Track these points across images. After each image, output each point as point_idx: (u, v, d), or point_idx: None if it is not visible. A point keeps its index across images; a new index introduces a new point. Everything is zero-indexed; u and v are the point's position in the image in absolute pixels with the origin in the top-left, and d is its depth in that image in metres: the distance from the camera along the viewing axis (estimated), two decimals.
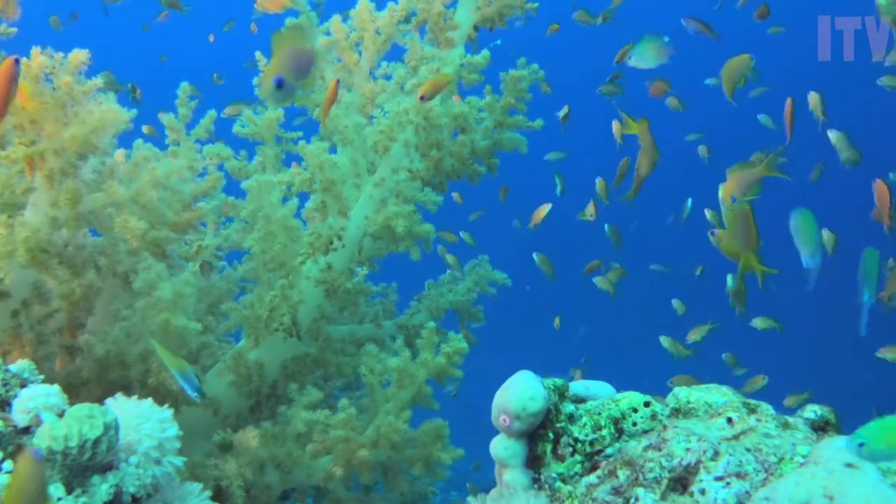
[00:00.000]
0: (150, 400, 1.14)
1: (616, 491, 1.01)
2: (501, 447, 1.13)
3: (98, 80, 1.42)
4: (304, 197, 1.74)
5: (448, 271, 2.00)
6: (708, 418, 1.05)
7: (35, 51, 1.37)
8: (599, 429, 1.12)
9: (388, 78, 1.79)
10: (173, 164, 1.64)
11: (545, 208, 2.98)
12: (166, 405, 1.14)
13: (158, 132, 1.85)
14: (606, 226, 3.58)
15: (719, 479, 0.94)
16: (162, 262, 1.49)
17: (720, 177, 1.51)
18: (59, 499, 1.00)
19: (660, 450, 1.00)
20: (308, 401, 1.54)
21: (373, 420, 1.51)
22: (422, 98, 1.52)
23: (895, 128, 9.33)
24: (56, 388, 1.10)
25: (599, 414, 1.13)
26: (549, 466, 1.11)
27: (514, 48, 1.90)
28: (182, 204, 1.63)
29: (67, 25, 4.66)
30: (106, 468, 1.05)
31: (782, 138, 2.38)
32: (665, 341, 2.95)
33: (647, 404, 1.13)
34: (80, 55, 1.41)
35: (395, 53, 1.80)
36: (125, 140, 1.56)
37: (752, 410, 1.03)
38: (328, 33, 1.78)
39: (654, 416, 1.12)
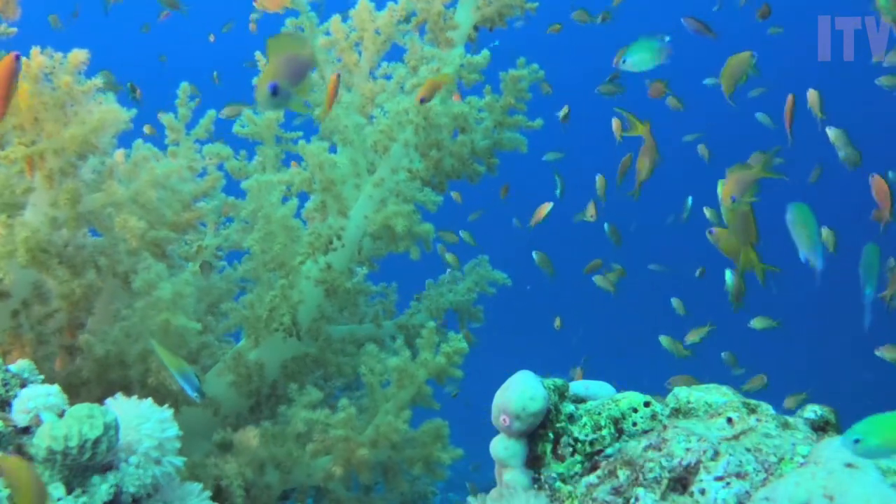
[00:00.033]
0: (150, 400, 1.14)
1: (616, 491, 1.01)
2: (501, 447, 1.13)
3: (98, 80, 1.42)
4: (304, 197, 1.74)
5: (448, 271, 2.00)
6: (708, 418, 1.05)
7: (35, 51, 1.37)
8: (599, 429, 1.12)
9: (388, 78, 1.79)
10: (173, 163, 1.64)
11: (546, 207, 2.98)
12: (166, 405, 1.14)
13: (158, 132, 1.85)
14: (606, 225, 3.59)
15: (719, 479, 0.94)
16: (162, 262, 1.49)
17: (720, 176, 1.51)
18: (59, 499, 1.00)
19: (660, 450, 1.00)
20: (308, 400, 1.54)
21: (373, 420, 1.51)
22: (421, 101, 1.53)
23: (895, 128, 9.33)
24: (56, 388, 1.10)
25: (599, 414, 1.13)
26: (549, 466, 1.11)
27: (514, 48, 1.90)
28: (182, 204, 1.63)
29: (67, 25, 4.66)
30: (106, 468, 1.05)
31: (782, 137, 2.39)
32: (664, 341, 2.96)
33: (647, 404, 1.13)
34: (79, 55, 1.41)
35: (395, 53, 1.80)
36: (125, 140, 1.56)
37: (752, 410, 1.03)
38: (328, 33, 1.78)
39: (654, 416, 1.12)
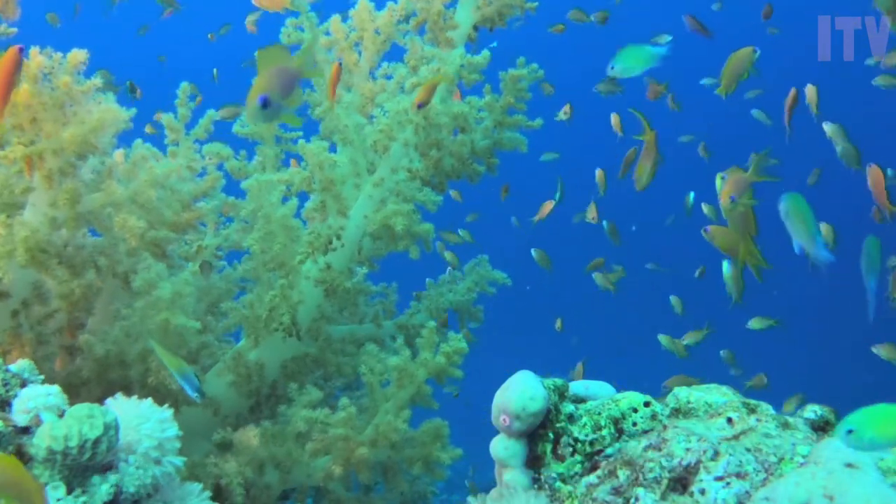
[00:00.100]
0: (150, 400, 1.14)
1: (616, 491, 1.01)
2: (501, 447, 1.13)
3: (97, 80, 1.42)
4: (303, 197, 1.74)
5: (448, 270, 1.99)
6: (708, 418, 1.05)
7: (34, 50, 1.37)
8: (599, 429, 1.12)
9: (388, 78, 1.79)
10: (172, 163, 1.64)
11: (550, 204, 2.99)
12: (166, 405, 1.14)
13: (158, 132, 1.85)
14: (605, 223, 3.59)
15: (719, 479, 0.94)
16: (162, 262, 1.49)
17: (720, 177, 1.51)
18: (59, 499, 1.00)
19: (660, 450, 1.00)
20: (308, 400, 1.54)
21: (372, 419, 1.51)
22: (419, 106, 1.53)
23: (895, 128, 9.34)
24: (56, 388, 1.10)
25: (599, 414, 1.13)
26: (549, 466, 1.11)
27: (514, 48, 1.90)
28: (181, 204, 1.63)
29: (67, 24, 4.66)
30: (106, 468, 1.05)
31: (781, 135, 2.39)
32: (664, 340, 2.96)
33: (647, 404, 1.13)
34: (78, 55, 1.41)
35: (395, 53, 1.80)
36: (125, 140, 1.56)
37: (752, 410, 1.04)
38: (328, 33, 1.78)
39: (654, 416, 1.12)
